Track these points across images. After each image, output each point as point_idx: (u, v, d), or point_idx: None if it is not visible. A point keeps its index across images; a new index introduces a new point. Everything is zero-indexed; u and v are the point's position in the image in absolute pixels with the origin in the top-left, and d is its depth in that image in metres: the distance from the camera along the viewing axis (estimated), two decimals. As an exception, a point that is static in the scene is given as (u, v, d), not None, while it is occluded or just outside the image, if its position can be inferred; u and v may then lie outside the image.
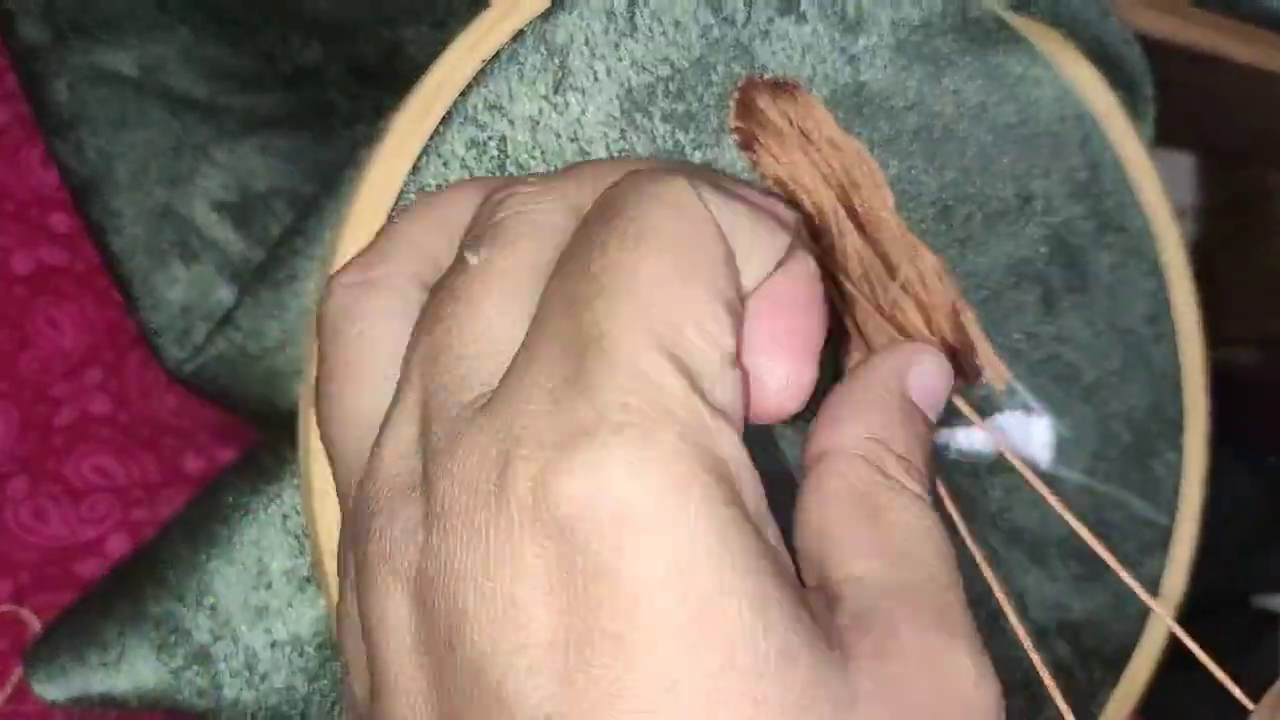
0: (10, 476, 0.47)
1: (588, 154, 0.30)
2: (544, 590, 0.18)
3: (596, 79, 0.30)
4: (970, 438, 0.34)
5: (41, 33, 0.41)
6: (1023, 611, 0.36)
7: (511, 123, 0.29)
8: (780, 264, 0.22)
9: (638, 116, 0.30)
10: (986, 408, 0.32)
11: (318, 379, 0.23)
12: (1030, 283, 0.36)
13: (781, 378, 0.22)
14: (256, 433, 0.35)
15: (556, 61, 0.29)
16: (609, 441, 0.18)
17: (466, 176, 0.29)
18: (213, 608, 0.29)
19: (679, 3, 0.31)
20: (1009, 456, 0.31)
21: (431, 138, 0.28)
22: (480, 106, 0.29)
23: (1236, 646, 0.69)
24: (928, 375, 0.25)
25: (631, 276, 0.19)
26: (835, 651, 0.19)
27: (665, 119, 0.30)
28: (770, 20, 0.32)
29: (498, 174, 0.29)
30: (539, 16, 0.29)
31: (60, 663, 0.29)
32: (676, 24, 0.30)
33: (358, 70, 0.43)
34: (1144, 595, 0.26)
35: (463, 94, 0.29)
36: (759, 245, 0.22)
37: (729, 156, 0.31)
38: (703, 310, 0.20)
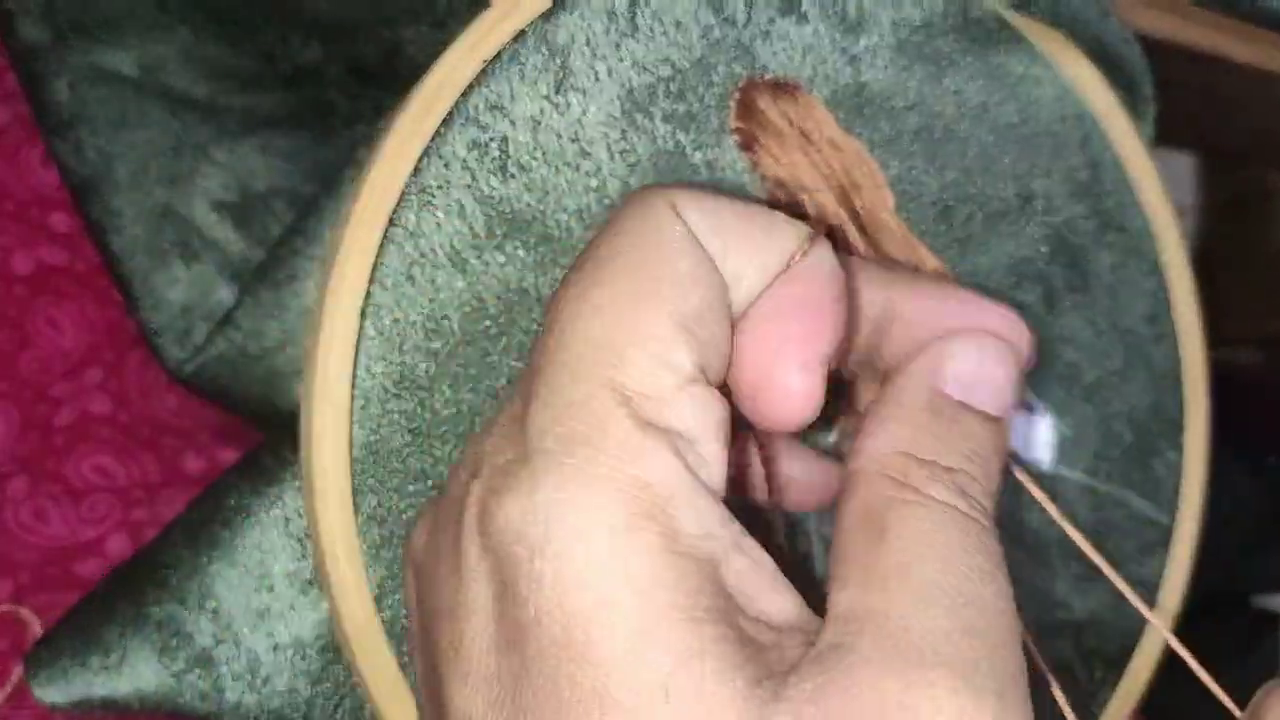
0: (10, 476, 0.47)
1: (589, 154, 0.30)
2: (485, 598, 0.19)
3: (598, 79, 0.30)
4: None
5: (41, 32, 0.41)
6: (1023, 611, 0.36)
7: (513, 123, 0.29)
8: (790, 266, 0.22)
9: (638, 117, 0.30)
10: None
11: None
12: (1031, 282, 0.36)
13: (787, 385, 0.21)
14: (257, 433, 0.35)
15: (558, 62, 0.29)
16: (536, 469, 0.19)
17: (468, 177, 0.29)
18: (214, 611, 0.29)
19: (680, 3, 0.30)
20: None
21: (433, 138, 0.28)
22: (481, 107, 0.29)
23: (1237, 646, 0.69)
24: (969, 360, 0.23)
25: (579, 306, 0.20)
26: (762, 689, 0.18)
27: (666, 119, 0.30)
28: (771, 20, 0.32)
29: (498, 175, 0.29)
30: (540, 17, 0.29)
31: (61, 666, 0.29)
32: (678, 24, 0.30)
33: (358, 70, 0.43)
34: (1135, 601, 0.26)
35: (464, 94, 0.29)
36: (757, 251, 0.22)
37: (729, 157, 0.31)
38: (649, 332, 0.20)
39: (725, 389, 0.22)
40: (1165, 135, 0.40)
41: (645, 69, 0.30)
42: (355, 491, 0.27)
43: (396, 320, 0.28)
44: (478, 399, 0.29)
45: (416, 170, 0.28)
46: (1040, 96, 0.36)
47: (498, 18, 0.29)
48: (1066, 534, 0.36)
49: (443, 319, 0.28)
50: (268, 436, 0.32)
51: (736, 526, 0.20)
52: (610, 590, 0.18)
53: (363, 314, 0.28)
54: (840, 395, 0.29)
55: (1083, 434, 0.37)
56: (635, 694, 0.17)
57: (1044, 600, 0.36)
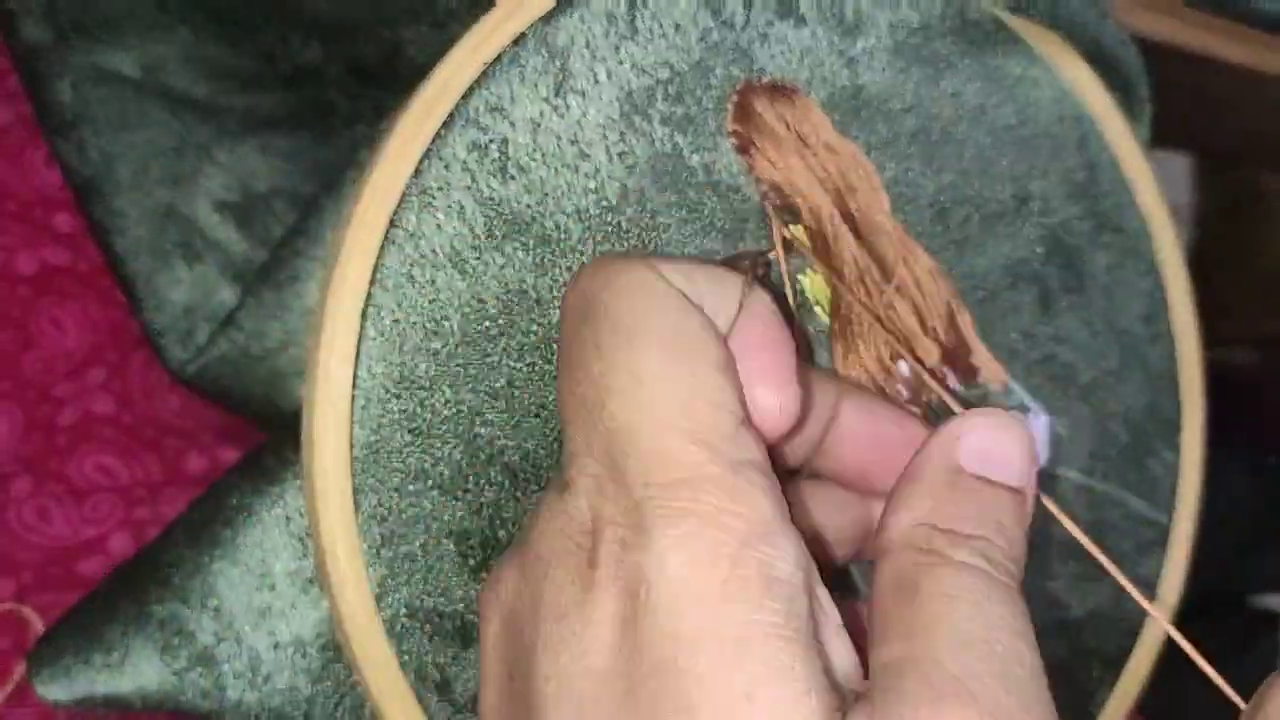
0: (13, 476, 0.47)
1: (588, 156, 0.30)
2: (608, 635, 0.21)
3: (597, 81, 0.30)
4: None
5: (43, 33, 0.41)
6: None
7: (513, 125, 0.29)
8: (741, 307, 0.25)
9: (637, 119, 0.30)
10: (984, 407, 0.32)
11: None
12: (1027, 283, 0.36)
13: (774, 406, 0.24)
14: (259, 433, 0.35)
15: (558, 64, 0.29)
16: (648, 515, 0.21)
17: (468, 179, 0.29)
18: (216, 609, 0.29)
19: (679, 6, 0.31)
20: None
21: (433, 140, 0.28)
22: (482, 109, 0.29)
23: (1234, 646, 0.69)
24: (982, 439, 0.25)
25: (637, 371, 0.22)
26: (833, 717, 0.20)
27: (664, 122, 0.31)
28: (769, 23, 0.32)
29: (498, 176, 0.29)
30: (540, 19, 0.29)
31: (63, 663, 0.29)
32: (676, 27, 0.31)
33: (358, 70, 0.43)
34: (1139, 598, 0.26)
35: (464, 96, 0.29)
36: (722, 297, 0.25)
37: (726, 160, 0.31)
38: (704, 383, 0.23)
39: None
40: (1160, 136, 0.40)
41: (644, 71, 0.30)
42: (356, 491, 0.28)
43: (397, 321, 0.28)
44: (478, 399, 0.29)
45: (417, 172, 0.28)
46: (1038, 98, 0.36)
47: (501, 18, 0.29)
48: (1065, 534, 0.36)
49: (443, 319, 0.28)
50: (270, 437, 0.32)
51: (814, 568, 0.22)
52: (713, 611, 0.20)
53: (364, 315, 0.28)
54: None
55: (1079, 434, 0.37)
56: (727, 700, 0.20)
57: (1042, 599, 0.36)
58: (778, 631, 0.20)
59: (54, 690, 0.29)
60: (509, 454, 0.29)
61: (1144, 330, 0.38)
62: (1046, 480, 0.36)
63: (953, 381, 0.32)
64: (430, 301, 0.28)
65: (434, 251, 0.28)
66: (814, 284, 0.32)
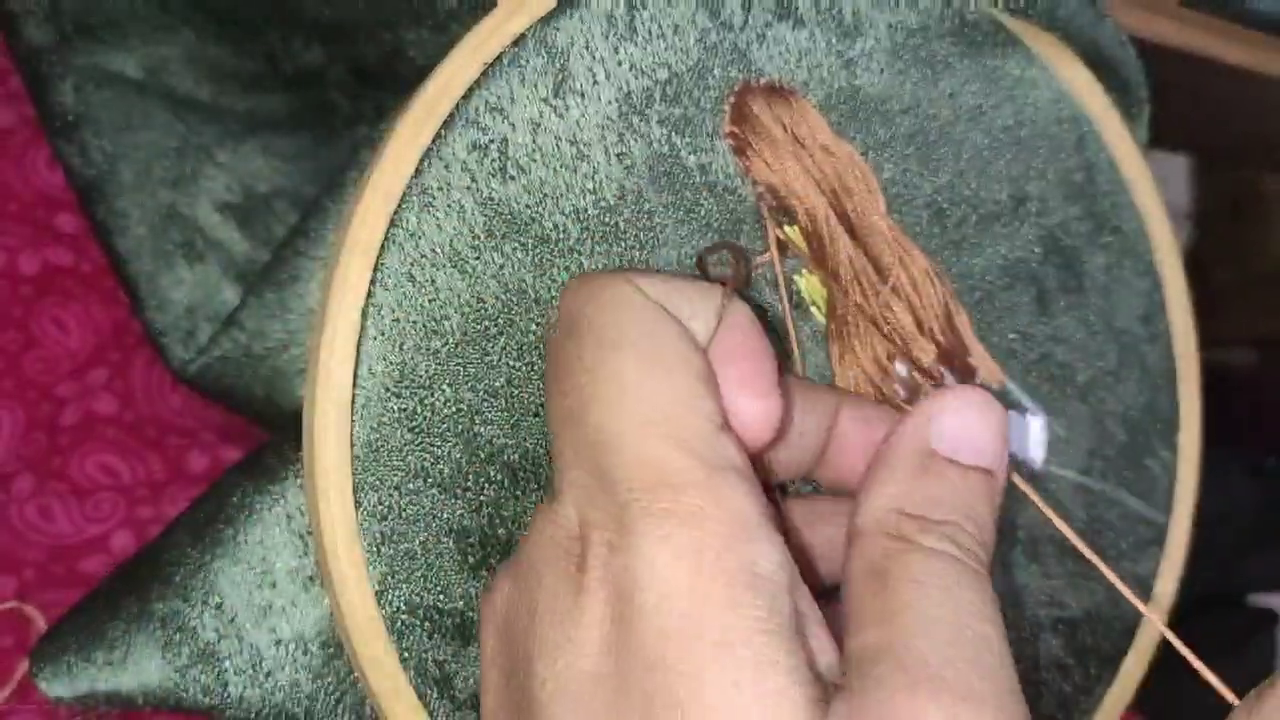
0: (16, 475, 0.47)
1: (586, 157, 0.30)
2: (599, 636, 0.21)
3: (596, 82, 0.30)
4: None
5: (46, 34, 0.41)
6: (1019, 608, 0.36)
7: (512, 125, 0.29)
8: (720, 320, 0.25)
9: (635, 120, 0.30)
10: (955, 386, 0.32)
11: None
12: (1025, 283, 0.36)
13: (755, 413, 0.24)
14: (260, 433, 0.35)
15: (557, 65, 0.30)
16: (634, 517, 0.22)
17: (468, 179, 0.29)
18: (218, 606, 0.30)
19: (678, 7, 0.31)
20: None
21: (434, 140, 0.28)
22: (482, 109, 0.29)
23: (1232, 644, 0.69)
24: (954, 418, 0.25)
25: (618, 380, 0.23)
26: (817, 707, 0.20)
27: (662, 123, 0.31)
28: (768, 25, 0.32)
29: (498, 176, 0.29)
30: (540, 20, 0.29)
31: (66, 660, 0.30)
32: (675, 28, 0.31)
33: (359, 72, 0.43)
34: (1134, 599, 0.27)
35: (464, 97, 0.29)
36: (700, 310, 0.25)
37: (723, 161, 0.31)
38: (683, 390, 0.23)
39: None
40: (1159, 137, 0.40)
41: (643, 72, 0.30)
42: (357, 489, 0.28)
43: (397, 320, 0.28)
44: (477, 397, 0.29)
45: (418, 172, 0.28)
46: (1036, 99, 0.37)
47: (500, 19, 0.29)
48: (1061, 533, 0.36)
49: (443, 319, 0.29)
50: (271, 435, 0.32)
51: (795, 569, 0.23)
52: (699, 608, 0.21)
53: (364, 314, 0.28)
54: None
55: (1076, 433, 0.37)
56: (715, 693, 0.20)
57: (1038, 598, 0.36)
58: (762, 626, 0.21)
59: (56, 687, 0.30)
60: (509, 452, 0.29)
61: (1142, 330, 0.38)
62: (1043, 480, 0.36)
63: (950, 382, 0.32)
64: (430, 301, 0.28)
65: (434, 251, 0.28)
66: (810, 285, 0.32)
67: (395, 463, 0.28)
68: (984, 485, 0.25)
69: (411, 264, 0.28)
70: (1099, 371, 0.37)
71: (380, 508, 0.28)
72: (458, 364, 0.29)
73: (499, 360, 0.29)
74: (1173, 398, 0.39)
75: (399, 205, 0.28)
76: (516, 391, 0.29)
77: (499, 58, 0.29)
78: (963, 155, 0.35)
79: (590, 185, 0.30)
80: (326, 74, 0.43)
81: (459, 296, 0.29)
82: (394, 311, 0.28)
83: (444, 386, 0.29)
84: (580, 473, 0.23)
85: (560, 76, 0.30)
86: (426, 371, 0.28)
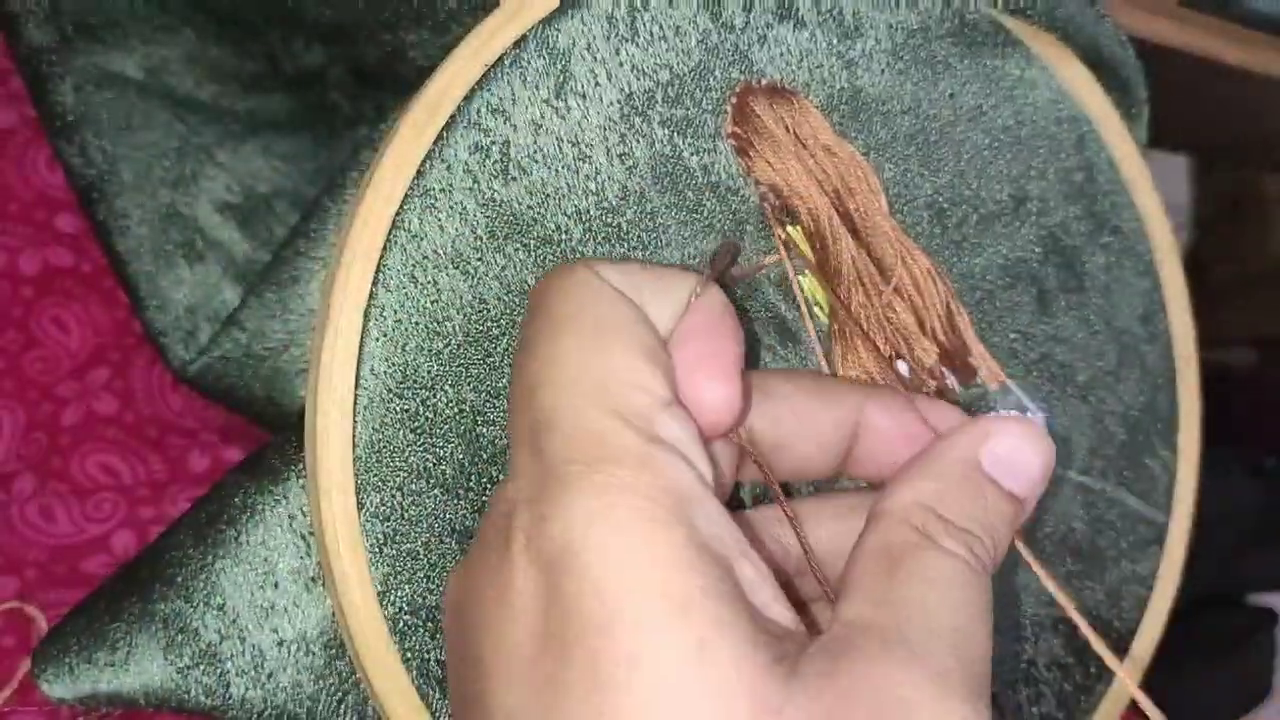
0: (17, 475, 0.47)
1: (588, 158, 0.30)
2: (533, 604, 0.22)
3: (597, 83, 0.30)
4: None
5: (47, 35, 0.41)
6: (1019, 608, 0.36)
7: (514, 127, 0.29)
8: (690, 305, 0.25)
9: (637, 121, 0.30)
10: (981, 407, 0.33)
11: None
12: (1025, 283, 0.36)
13: (709, 397, 0.25)
14: (261, 433, 0.35)
15: (559, 66, 0.30)
16: (570, 488, 0.22)
17: (470, 180, 0.29)
18: (220, 607, 0.29)
19: (680, 8, 0.31)
20: None
21: (435, 142, 0.28)
22: (483, 110, 0.29)
23: (1234, 644, 0.69)
24: (1008, 446, 0.26)
25: (560, 359, 0.23)
26: (780, 666, 0.21)
27: (663, 124, 0.31)
28: (768, 26, 0.32)
29: (500, 178, 0.29)
30: (541, 21, 0.29)
31: (68, 661, 0.30)
32: (676, 29, 0.31)
33: (359, 73, 0.43)
34: (1105, 654, 0.27)
35: (466, 98, 0.29)
36: (663, 293, 0.25)
37: (725, 161, 0.31)
38: (627, 365, 0.23)
39: None
40: (1158, 137, 0.40)
41: (644, 73, 0.30)
42: (359, 489, 0.28)
43: (399, 321, 0.28)
44: (479, 398, 0.29)
45: (419, 173, 0.28)
46: (1036, 99, 0.37)
47: (502, 21, 0.29)
48: (1062, 531, 0.36)
49: (445, 319, 0.29)
50: (273, 435, 0.32)
51: (742, 537, 0.23)
52: (645, 572, 0.21)
53: (366, 315, 0.28)
54: None
55: (1077, 433, 0.37)
56: (669, 654, 0.20)
57: (1038, 598, 0.36)
58: (705, 586, 0.21)
59: (58, 688, 0.30)
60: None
61: (1141, 330, 0.38)
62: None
63: (951, 382, 0.32)
64: (432, 302, 0.28)
65: (436, 252, 0.28)
66: (812, 285, 0.32)
67: (398, 463, 0.28)
68: (1013, 511, 0.26)
69: (413, 265, 0.28)
70: (1099, 371, 0.37)
71: (383, 508, 0.28)
72: (460, 365, 0.29)
73: (501, 361, 0.29)
74: (1172, 397, 0.39)
75: (401, 207, 0.28)
76: (518, 392, 0.29)
77: (500, 59, 0.29)
78: (963, 155, 0.35)
79: (592, 186, 0.30)
80: (327, 75, 0.43)
81: (461, 297, 0.29)
82: (396, 313, 0.28)
83: (446, 387, 0.29)
84: (524, 450, 0.23)
85: (562, 78, 0.30)
86: (429, 372, 0.28)
